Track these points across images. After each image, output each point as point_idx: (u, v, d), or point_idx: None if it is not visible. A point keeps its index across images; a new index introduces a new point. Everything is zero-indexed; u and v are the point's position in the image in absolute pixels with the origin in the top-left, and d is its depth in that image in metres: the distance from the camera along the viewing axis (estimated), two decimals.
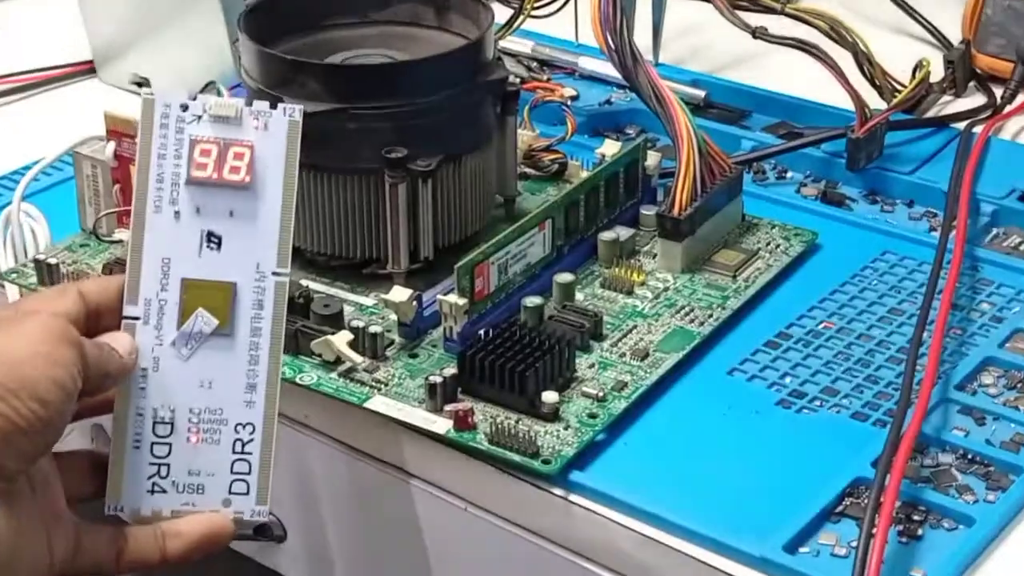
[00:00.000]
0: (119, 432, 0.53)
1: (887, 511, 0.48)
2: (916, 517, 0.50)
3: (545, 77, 0.85)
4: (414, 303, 0.59)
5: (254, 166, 0.52)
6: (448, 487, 0.57)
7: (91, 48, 0.90)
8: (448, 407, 0.54)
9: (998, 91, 0.83)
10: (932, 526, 0.50)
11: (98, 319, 0.52)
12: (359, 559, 0.65)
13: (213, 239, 0.53)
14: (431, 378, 0.55)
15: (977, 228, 0.71)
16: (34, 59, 0.91)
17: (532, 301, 0.60)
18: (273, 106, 0.55)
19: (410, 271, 0.63)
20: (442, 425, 0.54)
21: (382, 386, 0.57)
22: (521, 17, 0.77)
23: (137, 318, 0.52)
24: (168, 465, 0.53)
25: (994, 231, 0.72)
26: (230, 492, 0.53)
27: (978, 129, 0.78)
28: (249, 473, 0.53)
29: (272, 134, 0.52)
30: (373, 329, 0.58)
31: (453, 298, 0.58)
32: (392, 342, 0.59)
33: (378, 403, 0.55)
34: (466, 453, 0.55)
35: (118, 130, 0.64)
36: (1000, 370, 0.58)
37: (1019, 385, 0.57)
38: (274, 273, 0.53)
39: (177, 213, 0.53)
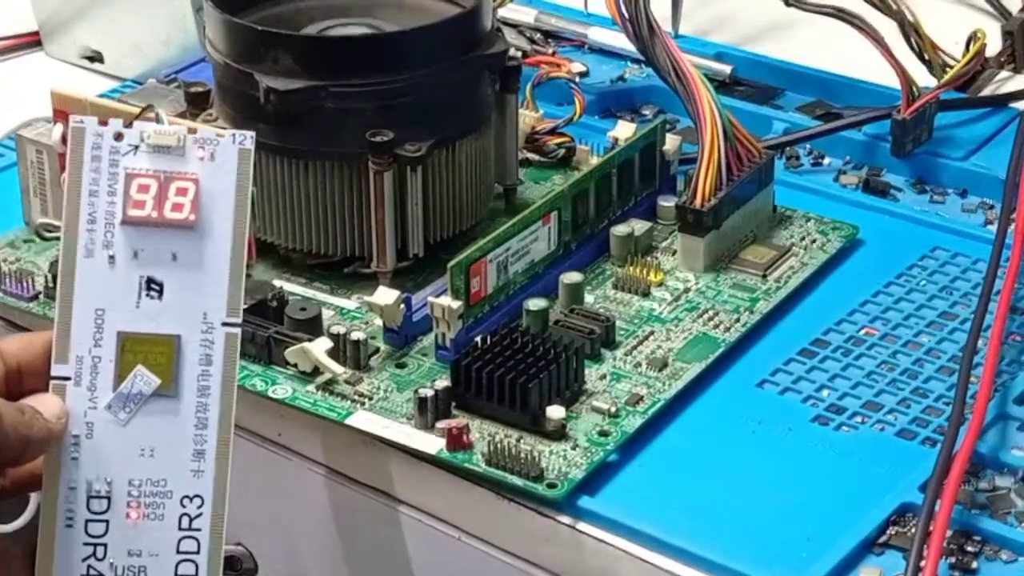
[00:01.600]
0: (48, 509, 0.48)
1: (937, 541, 0.45)
2: (970, 548, 0.47)
3: (550, 51, 0.81)
4: (401, 306, 0.56)
5: (200, 202, 0.48)
6: (440, 514, 0.54)
7: (35, 18, 0.86)
8: (440, 424, 0.52)
9: None
10: (988, 558, 0.47)
11: (20, 381, 0.48)
12: None
13: (154, 287, 0.49)
14: (421, 391, 0.53)
15: None
16: None
17: (535, 304, 0.58)
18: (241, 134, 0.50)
19: (397, 270, 0.60)
20: (433, 444, 0.52)
21: (366, 400, 0.55)
22: None
23: (68, 378, 0.48)
24: (105, 545, 0.49)
25: None
26: (176, 575, 0.50)
27: None
28: (198, 552, 0.48)
29: (220, 165, 0.47)
30: (356, 336, 0.56)
31: (446, 301, 0.55)
32: (377, 350, 0.57)
33: (361, 419, 0.53)
34: (460, 476, 0.52)
35: (67, 110, 0.60)
36: None
37: None
38: (224, 324, 0.48)
39: (112, 257, 0.49)
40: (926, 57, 0.75)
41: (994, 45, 0.78)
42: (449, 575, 0.56)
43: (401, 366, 0.56)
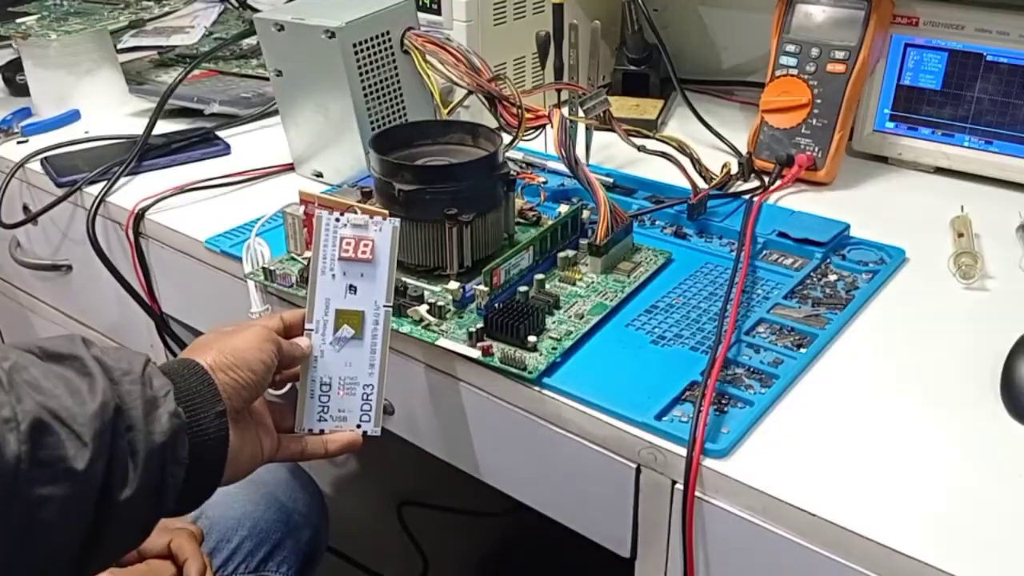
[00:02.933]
0: (302, 390, 0.72)
1: (708, 397, 0.65)
2: (724, 401, 0.67)
3: (529, 171, 1.01)
4: (461, 289, 0.77)
5: (374, 250, 0.70)
6: (479, 386, 0.74)
7: (292, 155, 1.06)
8: (479, 344, 0.72)
9: (766, 178, 1.00)
10: (732, 406, 0.67)
11: (290, 330, 0.72)
12: (430, 424, 0.80)
13: (352, 288, 0.71)
14: (470, 329, 0.73)
15: (755, 250, 0.87)
16: (263, 161, 1.08)
17: (523, 288, 0.77)
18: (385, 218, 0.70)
19: (458, 273, 0.80)
20: (475, 353, 0.72)
21: (444, 333, 0.74)
22: (517, 139, 0.89)
23: (312, 329, 0.71)
24: (328, 407, 0.72)
25: (764, 252, 0.87)
26: (360, 421, 0.72)
27: (756, 198, 0.95)
28: (371, 411, 0.72)
29: (384, 233, 0.70)
30: (440, 303, 0.76)
31: (481, 287, 0.75)
32: (450, 310, 0.77)
33: (443, 342, 0.73)
34: (488, 368, 0.72)
35: (306, 199, 0.82)
36: (768, 324, 0.76)
37: (778, 332, 0.74)
38: (384, 306, 0.71)
39: (334, 275, 0.71)
40: (703, 174, 0.96)
41: (734, 168, 1.00)
42: (482, 415, 0.75)
43: (460, 317, 0.76)
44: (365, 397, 0.71)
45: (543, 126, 0.88)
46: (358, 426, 0.72)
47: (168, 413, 0.58)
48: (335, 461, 1.36)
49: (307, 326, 0.70)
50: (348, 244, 0.69)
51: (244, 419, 0.67)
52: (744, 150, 1.05)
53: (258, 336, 0.66)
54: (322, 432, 0.72)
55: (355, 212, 0.71)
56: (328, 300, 0.70)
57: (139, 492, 0.56)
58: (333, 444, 0.71)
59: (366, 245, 0.69)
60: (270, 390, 0.72)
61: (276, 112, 1.05)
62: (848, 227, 0.90)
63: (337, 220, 0.69)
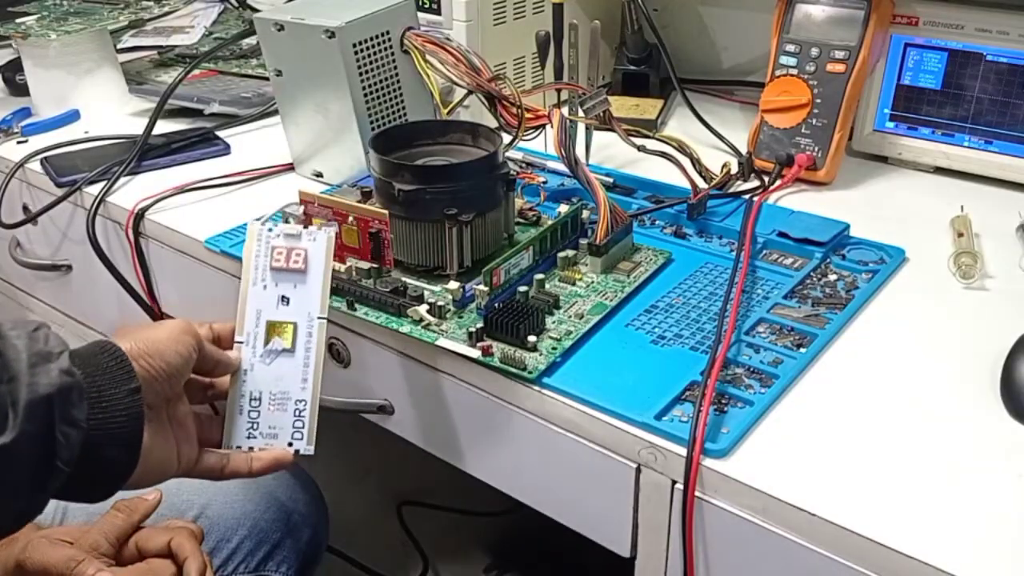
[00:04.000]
0: (231, 405, 0.70)
1: (708, 397, 0.65)
2: (724, 401, 0.67)
3: (529, 171, 1.01)
4: (461, 289, 0.77)
5: (307, 260, 0.70)
6: (479, 386, 0.74)
7: (291, 155, 1.07)
8: (479, 344, 0.72)
9: (766, 178, 1.01)
10: (732, 406, 0.67)
11: (219, 342, 0.71)
12: (430, 424, 0.80)
13: (285, 299, 0.70)
14: (470, 329, 0.73)
15: (755, 249, 0.87)
16: (263, 161, 1.09)
17: (523, 288, 0.77)
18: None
19: (459, 273, 0.80)
20: (475, 353, 0.71)
21: (444, 333, 0.74)
22: (517, 139, 0.89)
23: (242, 342, 0.70)
24: (257, 423, 0.70)
25: (764, 251, 0.88)
26: (292, 438, 0.70)
27: (756, 198, 0.95)
28: (304, 428, 0.70)
29: (318, 244, 0.69)
30: (440, 303, 0.76)
31: (481, 287, 0.75)
32: (450, 310, 0.76)
33: (443, 342, 0.73)
34: (488, 368, 0.72)
35: (306, 200, 0.82)
36: (768, 324, 0.76)
37: (778, 332, 0.74)
38: (319, 318, 0.70)
39: (266, 285, 0.70)
40: (703, 174, 0.96)
41: (735, 168, 1.00)
42: (482, 415, 0.75)
43: (461, 317, 0.76)
44: (297, 413, 0.70)
45: (543, 126, 0.88)
46: (290, 444, 0.70)
47: (60, 369, 0.57)
48: (335, 461, 1.35)
49: (237, 338, 0.69)
50: (280, 254, 0.68)
51: (159, 419, 0.66)
52: (744, 150, 1.05)
53: (176, 328, 0.65)
54: (251, 449, 0.71)
55: (286, 221, 0.70)
56: (259, 311, 0.69)
57: (21, 441, 0.55)
58: (258, 462, 0.70)
59: (298, 255, 0.68)
60: (193, 406, 0.71)
61: (276, 112, 1.06)
62: (848, 227, 0.90)
63: (270, 230, 0.69)
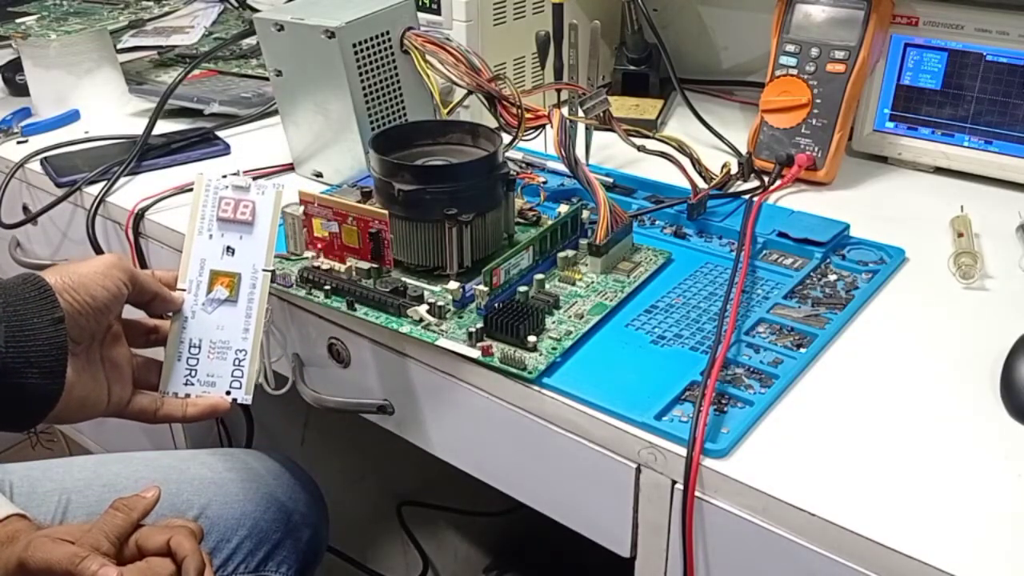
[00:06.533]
0: (170, 351, 0.71)
1: (708, 397, 0.65)
2: (724, 401, 0.67)
3: (529, 171, 1.02)
4: (461, 289, 0.77)
5: (255, 212, 0.71)
6: (479, 386, 0.74)
7: (291, 155, 1.07)
8: (479, 344, 0.72)
9: (766, 178, 1.01)
10: (732, 406, 0.66)
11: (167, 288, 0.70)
12: (430, 424, 0.80)
13: (230, 249, 0.70)
14: (470, 329, 0.73)
15: (755, 250, 0.87)
16: (263, 161, 1.09)
17: (523, 288, 0.77)
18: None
19: (459, 273, 0.80)
20: (475, 353, 0.71)
21: (444, 333, 0.74)
22: (517, 139, 0.89)
23: (184, 289, 0.71)
24: (196, 370, 0.71)
25: (764, 251, 0.88)
26: (231, 387, 0.71)
27: (755, 198, 0.95)
28: (243, 377, 0.70)
29: (266, 197, 0.70)
30: (440, 303, 0.76)
31: (481, 287, 0.75)
32: (450, 310, 0.76)
33: (443, 342, 0.73)
34: (488, 368, 0.72)
35: (306, 200, 0.82)
36: (768, 324, 0.76)
37: (778, 332, 0.74)
38: (264, 270, 0.71)
39: (211, 235, 0.71)
40: (703, 174, 0.97)
41: (734, 168, 1.00)
42: (482, 414, 0.74)
43: (461, 317, 0.76)
44: (237, 363, 0.70)
45: (543, 126, 0.88)
46: (228, 392, 0.70)
47: None
48: (335, 461, 1.35)
49: (179, 286, 0.70)
50: (227, 204, 0.69)
51: (88, 355, 0.66)
52: (744, 150, 1.06)
53: (105, 263, 0.65)
54: (187, 396, 0.71)
55: (239, 175, 0.71)
56: (203, 260, 0.70)
57: None
58: (194, 408, 0.70)
59: (246, 207, 0.69)
60: (133, 349, 0.71)
61: (276, 112, 1.06)
62: (848, 227, 0.90)
63: (219, 181, 0.69)
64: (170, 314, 0.71)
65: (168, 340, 0.70)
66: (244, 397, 0.70)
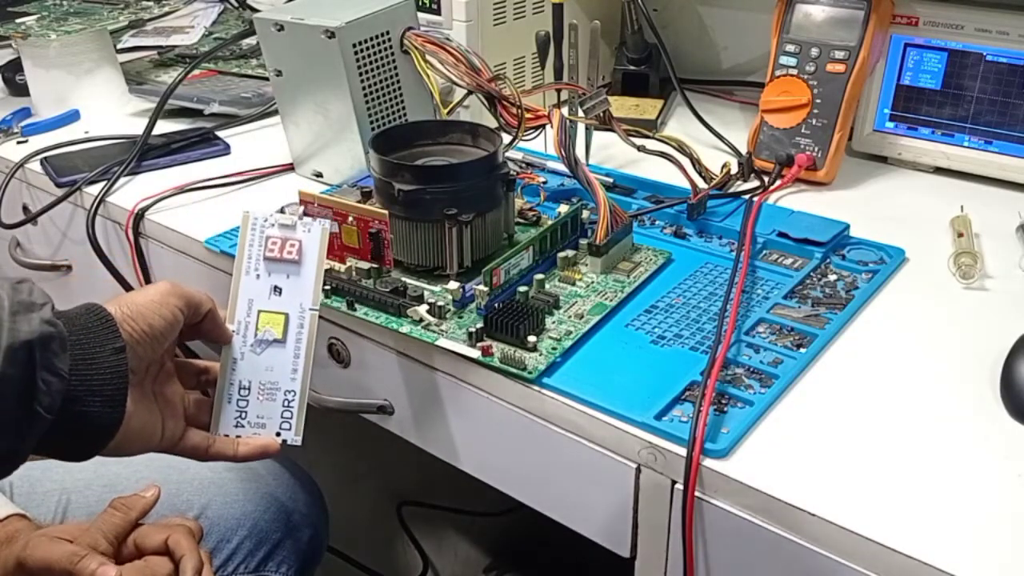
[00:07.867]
0: (219, 394, 0.70)
1: (708, 397, 0.65)
2: (724, 401, 0.67)
3: (529, 171, 1.02)
4: (461, 289, 0.77)
5: (301, 251, 0.70)
6: (479, 386, 0.74)
7: (291, 155, 1.07)
8: (479, 344, 0.72)
9: (766, 178, 1.01)
10: (732, 406, 0.66)
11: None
12: (430, 424, 0.80)
13: (277, 289, 0.70)
14: (470, 329, 0.73)
15: (755, 250, 0.87)
16: (263, 161, 1.09)
17: (523, 288, 0.77)
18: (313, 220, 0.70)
19: (459, 273, 0.80)
20: (475, 353, 0.71)
21: (444, 333, 0.74)
22: (517, 139, 0.89)
23: (233, 330, 0.70)
24: (246, 412, 0.70)
25: (764, 251, 0.88)
26: (280, 428, 0.71)
27: (755, 198, 0.95)
28: (292, 418, 0.70)
29: (312, 235, 0.69)
30: (440, 303, 0.76)
31: (481, 287, 0.75)
32: (450, 310, 0.76)
33: (443, 342, 0.73)
34: (488, 368, 0.72)
35: (306, 200, 0.83)
36: (768, 324, 0.76)
37: (778, 332, 0.74)
38: (311, 309, 0.70)
39: (258, 275, 0.70)
40: (703, 174, 0.97)
41: (734, 168, 1.01)
42: (481, 414, 0.74)
43: (461, 317, 0.76)
44: (286, 404, 0.70)
45: (543, 126, 0.88)
46: (277, 434, 0.71)
47: (41, 319, 0.58)
48: (335, 461, 1.35)
49: (229, 327, 0.70)
50: (274, 244, 0.68)
51: (143, 386, 0.66)
52: (744, 150, 1.06)
53: (160, 292, 0.65)
54: (238, 437, 0.71)
55: (283, 212, 0.71)
56: (251, 301, 0.69)
57: (2, 382, 0.56)
58: (245, 447, 0.70)
59: (292, 245, 0.68)
60: (186, 391, 0.71)
61: (276, 112, 1.06)
62: (848, 227, 0.90)
63: (265, 220, 0.69)
64: (219, 355, 0.72)
65: (217, 382, 0.70)
66: (294, 439, 0.70)
